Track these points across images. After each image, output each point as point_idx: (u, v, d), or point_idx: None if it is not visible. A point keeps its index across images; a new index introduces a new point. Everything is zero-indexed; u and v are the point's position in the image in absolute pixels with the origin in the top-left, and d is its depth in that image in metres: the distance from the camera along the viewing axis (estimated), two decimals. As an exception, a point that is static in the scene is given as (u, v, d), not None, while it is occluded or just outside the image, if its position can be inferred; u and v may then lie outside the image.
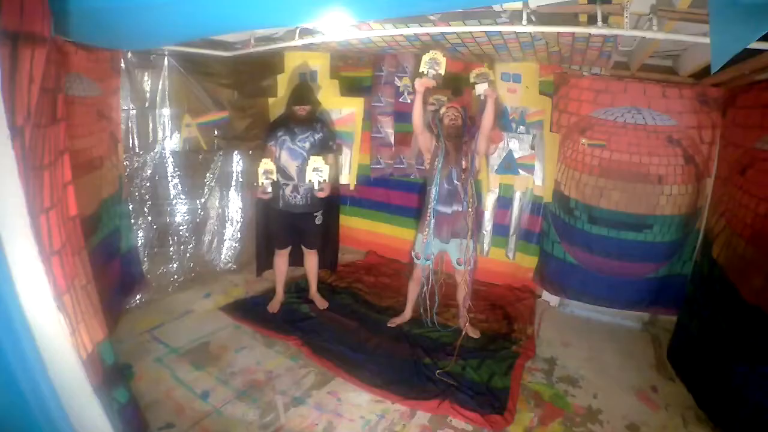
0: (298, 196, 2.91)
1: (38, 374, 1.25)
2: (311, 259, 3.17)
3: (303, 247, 3.15)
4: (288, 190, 2.90)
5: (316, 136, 2.88)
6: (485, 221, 3.58)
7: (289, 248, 3.11)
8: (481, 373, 2.50)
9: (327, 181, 2.71)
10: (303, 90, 2.95)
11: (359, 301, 3.29)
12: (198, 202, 3.35)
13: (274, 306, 3.07)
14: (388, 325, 2.95)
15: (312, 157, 2.70)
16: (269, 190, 2.70)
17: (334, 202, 3.51)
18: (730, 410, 2.11)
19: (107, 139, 2.57)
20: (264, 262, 3.42)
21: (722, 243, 2.39)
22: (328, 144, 2.95)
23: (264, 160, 2.70)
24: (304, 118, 2.82)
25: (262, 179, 2.68)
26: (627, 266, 3.01)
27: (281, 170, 2.87)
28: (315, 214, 3.01)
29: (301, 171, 2.84)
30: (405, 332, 2.89)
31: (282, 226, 3.02)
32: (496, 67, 3.18)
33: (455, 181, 2.65)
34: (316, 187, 2.70)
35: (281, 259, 3.11)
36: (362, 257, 4.18)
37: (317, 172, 2.68)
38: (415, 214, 3.98)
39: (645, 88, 2.76)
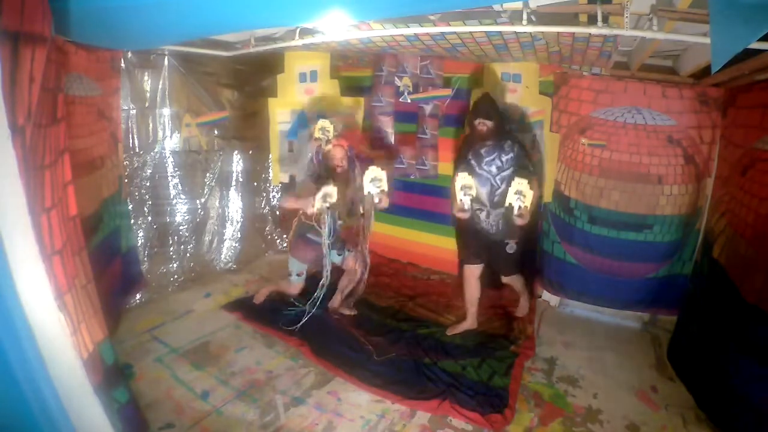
0: (491, 222, 2.71)
1: (38, 374, 1.26)
2: (514, 283, 2.96)
3: (501, 274, 2.95)
4: (482, 215, 2.71)
5: (504, 158, 2.55)
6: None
7: (482, 266, 2.86)
8: (481, 372, 2.50)
9: (528, 207, 2.35)
10: (483, 102, 2.62)
11: (359, 301, 3.28)
12: (198, 201, 3.35)
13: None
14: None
15: (516, 179, 2.37)
16: (467, 207, 2.45)
17: (532, 229, 3.05)
18: (730, 410, 2.11)
19: (107, 139, 2.57)
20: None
21: (723, 243, 2.39)
22: (524, 164, 2.59)
23: (461, 175, 2.48)
24: (485, 135, 2.54)
25: (459, 195, 2.43)
26: (627, 266, 3.00)
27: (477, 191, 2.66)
28: (507, 241, 2.75)
29: (491, 198, 2.63)
30: (405, 332, 2.89)
31: (475, 242, 2.82)
32: (496, 67, 3.18)
33: (338, 220, 2.71)
34: (515, 212, 2.35)
35: (472, 278, 2.87)
36: (362, 257, 4.17)
37: (519, 196, 2.33)
38: (415, 215, 4.00)
39: (645, 88, 2.76)
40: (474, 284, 2.86)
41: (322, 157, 2.68)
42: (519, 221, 2.39)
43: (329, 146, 2.63)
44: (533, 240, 3.24)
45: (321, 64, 3.42)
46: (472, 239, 2.83)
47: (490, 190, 2.63)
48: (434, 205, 3.86)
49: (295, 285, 2.94)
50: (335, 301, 3.08)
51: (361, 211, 2.80)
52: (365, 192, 2.59)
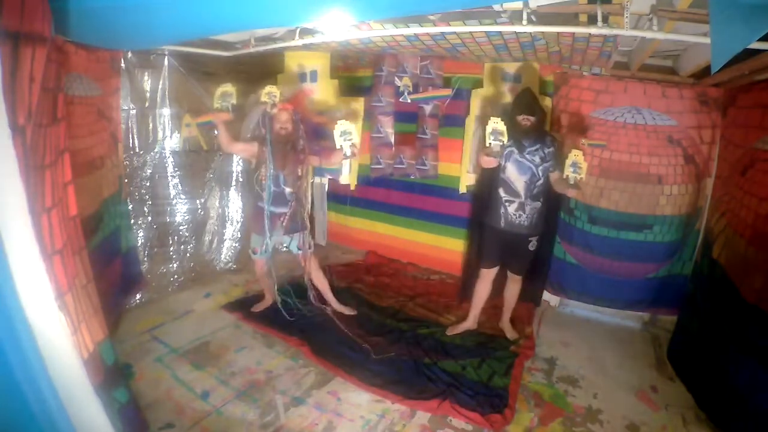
0: (524, 216, 2.59)
1: (38, 374, 1.26)
2: (514, 287, 2.85)
3: (509, 272, 2.84)
4: (512, 208, 2.60)
5: (547, 150, 2.54)
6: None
7: (497, 269, 2.82)
8: (481, 372, 2.50)
9: (584, 178, 2.39)
10: (527, 98, 2.58)
11: (359, 301, 3.29)
12: (198, 201, 3.35)
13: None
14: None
15: (573, 150, 2.39)
16: (495, 150, 2.40)
17: (549, 230, 2.99)
18: (730, 410, 2.11)
19: (107, 139, 2.57)
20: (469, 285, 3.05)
21: (723, 243, 2.39)
22: (560, 162, 2.57)
23: (494, 119, 2.38)
24: (528, 130, 2.51)
25: (489, 139, 2.36)
26: (627, 266, 3.01)
27: (505, 184, 2.59)
28: (531, 238, 2.68)
29: (530, 189, 2.56)
30: (405, 332, 2.89)
31: (496, 245, 2.73)
32: (496, 67, 3.18)
33: (282, 185, 2.70)
34: (571, 182, 2.37)
35: (485, 280, 2.84)
36: (362, 257, 4.18)
37: (575, 168, 2.34)
38: (415, 215, 4.00)
39: (645, 88, 2.77)
40: (487, 287, 2.84)
41: (268, 120, 2.68)
42: (573, 193, 2.43)
43: (275, 110, 2.64)
44: (549, 245, 3.13)
45: (321, 64, 3.42)
46: (492, 239, 2.74)
47: (530, 179, 2.55)
48: (434, 205, 3.86)
49: (258, 264, 2.97)
50: (331, 302, 3.09)
51: (299, 174, 2.77)
52: (337, 146, 2.57)
